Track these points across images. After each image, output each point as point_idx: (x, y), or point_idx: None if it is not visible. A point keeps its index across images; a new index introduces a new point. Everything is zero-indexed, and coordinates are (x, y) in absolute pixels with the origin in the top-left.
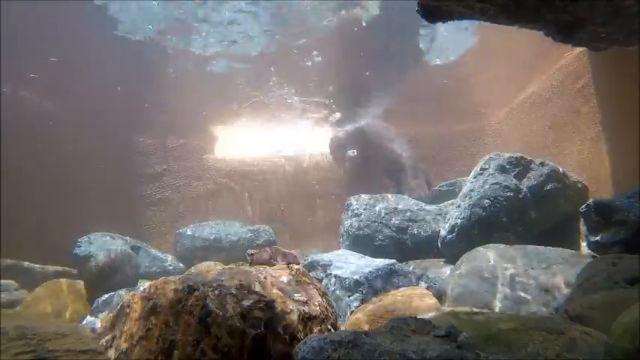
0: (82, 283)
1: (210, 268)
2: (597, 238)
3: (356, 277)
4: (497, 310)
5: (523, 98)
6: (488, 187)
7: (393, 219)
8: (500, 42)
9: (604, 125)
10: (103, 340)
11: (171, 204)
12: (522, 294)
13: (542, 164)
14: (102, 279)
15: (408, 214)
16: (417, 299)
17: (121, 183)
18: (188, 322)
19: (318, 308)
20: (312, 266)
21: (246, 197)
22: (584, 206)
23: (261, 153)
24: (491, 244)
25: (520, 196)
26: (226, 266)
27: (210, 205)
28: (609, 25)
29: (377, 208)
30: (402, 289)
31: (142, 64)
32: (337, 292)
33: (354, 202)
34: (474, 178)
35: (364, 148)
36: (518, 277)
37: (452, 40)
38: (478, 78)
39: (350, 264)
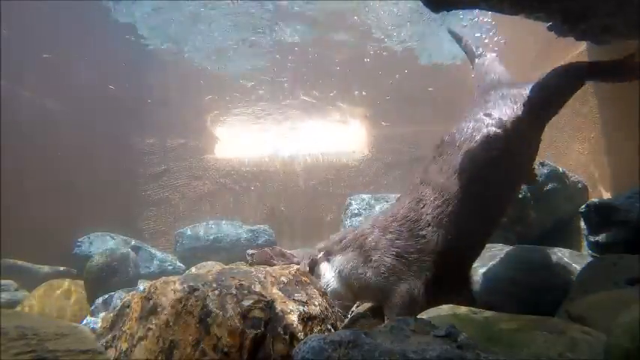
0: (82, 283)
1: (210, 268)
2: (597, 238)
3: None
4: (498, 310)
5: None
6: None
7: None
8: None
9: (604, 125)
10: (103, 340)
11: (171, 204)
12: (523, 294)
13: (542, 164)
14: (102, 279)
15: None
16: None
17: (121, 183)
18: (188, 322)
19: (318, 308)
20: None
21: (246, 197)
22: (584, 206)
23: (261, 153)
24: (491, 244)
25: (520, 196)
26: (226, 266)
27: (210, 205)
28: (614, 17)
29: (377, 208)
30: None
31: (142, 63)
32: None
33: (354, 203)
34: None
35: None
36: (519, 278)
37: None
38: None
39: None
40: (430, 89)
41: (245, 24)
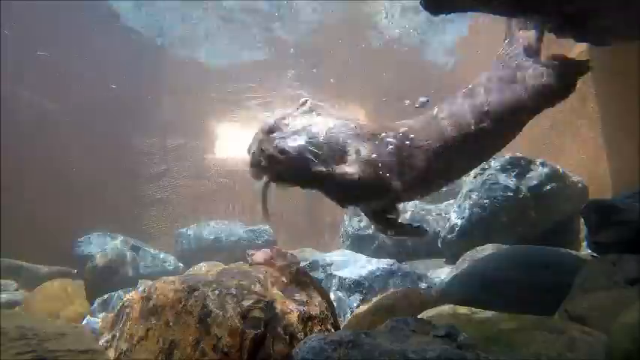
0: (82, 283)
1: (210, 268)
2: (597, 238)
3: (356, 277)
4: (497, 310)
5: None
6: (488, 187)
7: None
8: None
9: (604, 125)
10: (103, 340)
11: (172, 204)
12: (523, 294)
13: (542, 164)
14: (102, 279)
15: (408, 214)
16: (416, 299)
17: (121, 183)
18: (188, 322)
19: (318, 308)
20: (312, 266)
21: (247, 197)
22: (584, 206)
23: None
24: (491, 244)
25: (520, 196)
26: (226, 266)
27: (210, 205)
28: (613, 18)
29: None
30: (402, 289)
31: (143, 63)
32: (337, 292)
33: None
34: (474, 177)
35: None
36: (518, 277)
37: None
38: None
39: (350, 264)
40: (432, 92)
41: (244, 21)
